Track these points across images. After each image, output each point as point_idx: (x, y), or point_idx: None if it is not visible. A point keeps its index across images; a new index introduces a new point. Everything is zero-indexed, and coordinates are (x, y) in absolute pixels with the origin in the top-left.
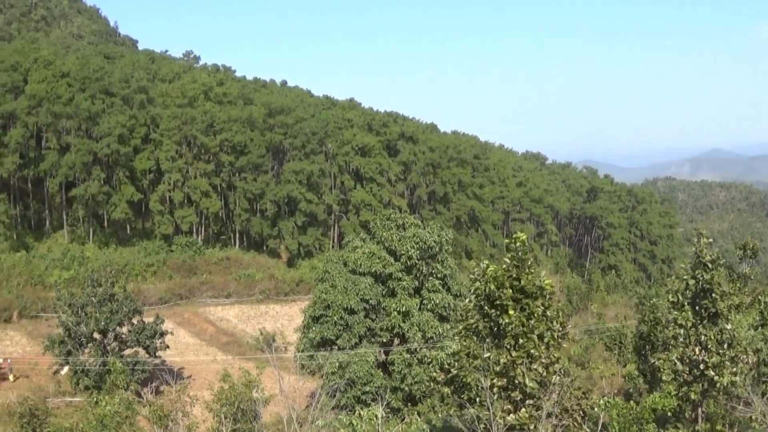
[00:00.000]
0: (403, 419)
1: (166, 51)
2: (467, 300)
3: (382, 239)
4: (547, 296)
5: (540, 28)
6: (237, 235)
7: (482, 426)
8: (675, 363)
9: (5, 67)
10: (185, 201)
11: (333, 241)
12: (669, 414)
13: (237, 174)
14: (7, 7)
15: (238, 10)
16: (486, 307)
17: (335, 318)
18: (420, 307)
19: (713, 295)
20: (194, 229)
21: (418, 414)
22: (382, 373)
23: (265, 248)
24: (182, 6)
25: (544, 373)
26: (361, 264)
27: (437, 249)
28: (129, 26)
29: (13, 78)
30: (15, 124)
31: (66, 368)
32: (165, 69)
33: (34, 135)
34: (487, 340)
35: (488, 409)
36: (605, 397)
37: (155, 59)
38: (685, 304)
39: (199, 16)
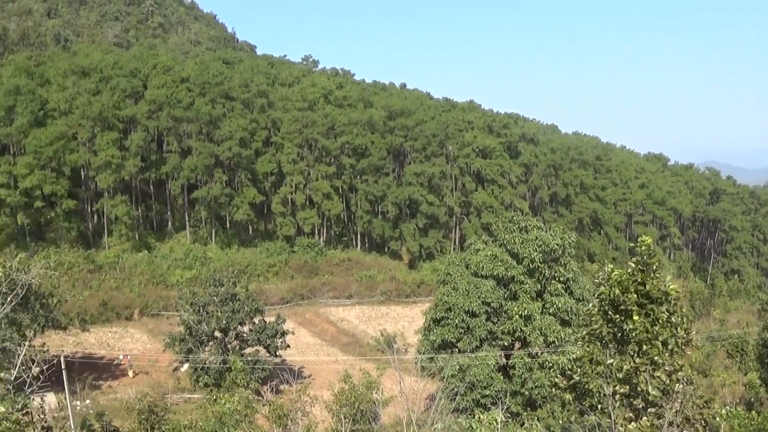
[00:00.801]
0: (523, 424)
1: (285, 56)
2: (591, 304)
3: (505, 242)
4: (672, 301)
5: (661, 27)
6: (358, 237)
7: None
8: None
9: (124, 73)
10: (307, 203)
11: (454, 244)
12: None
13: (358, 176)
14: (124, 15)
15: (356, 14)
16: (610, 312)
17: (456, 321)
18: (542, 311)
19: None
20: (316, 231)
21: (538, 419)
22: (502, 377)
23: (386, 250)
24: (300, 11)
25: (667, 381)
26: (483, 267)
27: (560, 252)
28: (247, 32)
29: (133, 84)
30: (136, 128)
31: (186, 366)
32: (284, 73)
33: (154, 138)
34: (610, 345)
35: (609, 416)
36: (727, 407)
37: (274, 64)
38: None
39: (317, 20)
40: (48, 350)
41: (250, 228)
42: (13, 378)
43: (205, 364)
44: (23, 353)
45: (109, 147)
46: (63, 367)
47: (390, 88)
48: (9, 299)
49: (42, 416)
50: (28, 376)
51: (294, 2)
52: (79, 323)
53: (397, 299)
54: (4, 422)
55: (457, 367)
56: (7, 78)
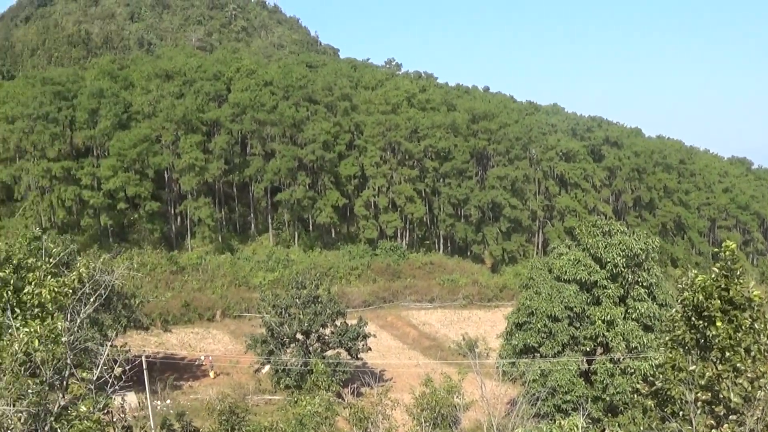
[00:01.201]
0: (603, 430)
1: (368, 59)
2: (673, 310)
3: (588, 246)
4: (756, 308)
5: (745, 26)
6: (441, 240)
7: None
8: None
9: (208, 76)
10: (390, 206)
11: (537, 248)
12: None
13: (441, 179)
14: (207, 19)
15: (439, 18)
16: (693, 318)
17: (539, 325)
18: (624, 316)
19: None
20: (399, 234)
21: (619, 425)
22: (583, 382)
23: (469, 253)
24: (383, 14)
25: (749, 388)
26: (566, 271)
27: (643, 256)
28: (330, 35)
29: (216, 87)
30: (219, 131)
31: (267, 367)
32: (367, 77)
33: (238, 141)
34: (693, 352)
35: (691, 423)
36: None
37: (357, 67)
38: None
39: (401, 24)
40: (129, 350)
41: (333, 231)
42: (95, 378)
43: (286, 365)
44: (106, 353)
45: (193, 150)
46: (144, 367)
47: (473, 91)
48: (92, 300)
49: (122, 416)
50: (110, 376)
51: (377, 6)
52: (162, 324)
53: (479, 303)
54: (85, 421)
55: (539, 371)
56: (91, 81)
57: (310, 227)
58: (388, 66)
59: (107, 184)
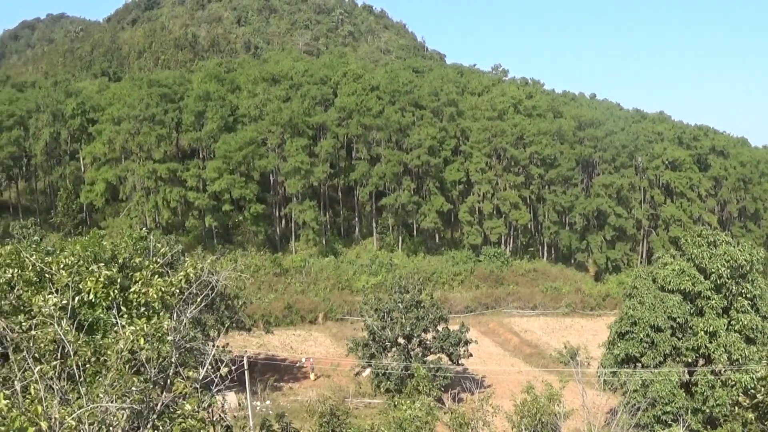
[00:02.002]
0: None
1: (474, 65)
2: None
3: (692, 256)
4: None
5: None
6: (545, 248)
7: None
8: None
9: (315, 80)
10: (494, 212)
11: (641, 257)
12: None
13: (546, 186)
14: (314, 23)
15: (546, 24)
16: None
17: (641, 335)
18: (727, 328)
19: None
20: (502, 240)
21: None
22: (684, 394)
23: (572, 261)
24: (490, 20)
25: None
26: (670, 281)
27: (747, 268)
28: (436, 41)
29: (323, 91)
30: (325, 134)
31: (368, 370)
32: (474, 82)
33: (344, 145)
34: None
35: None
36: None
37: (464, 73)
38: None
39: (508, 30)
40: (231, 351)
41: (437, 236)
42: (200, 377)
43: (387, 369)
44: (212, 353)
45: (299, 153)
46: (246, 367)
47: (580, 98)
48: (199, 300)
49: (223, 415)
50: (216, 376)
51: (484, 12)
52: (264, 325)
53: (581, 311)
54: (190, 419)
55: (640, 382)
56: (198, 84)
57: (414, 232)
58: (494, 72)
59: (213, 186)
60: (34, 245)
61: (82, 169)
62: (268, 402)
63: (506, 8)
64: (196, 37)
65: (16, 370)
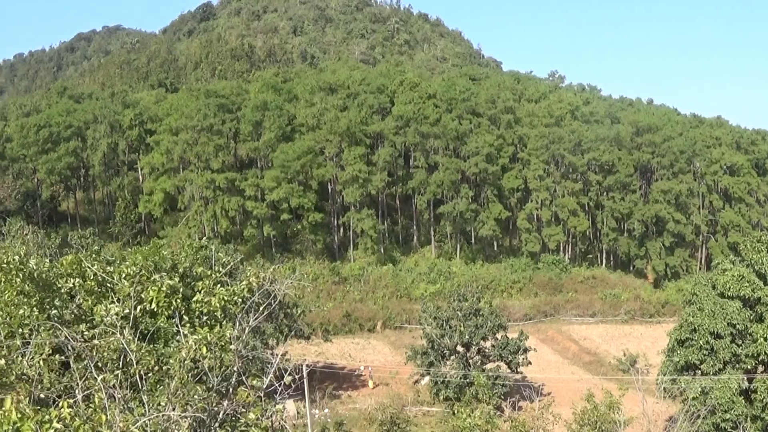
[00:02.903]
0: None
1: (531, 71)
2: None
3: (752, 262)
4: None
5: None
6: (604, 255)
7: None
8: None
9: (371, 89)
10: (552, 219)
11: (700, 263)
12: None
13: (605, 193)
14: (370, 32)
15: (602, 29)
16: None
17: (701, 342)
18: None
19: None
20: (561, 248)
21: None
22: (743, 401)
23: (631, 268)
24: (545, 27)
25: None
26: (729, 287)
27: None
28: (492, 48)
29: (380, 100)
30: (383, 143)
31: (426, 378)
32: (531, 89)
33: (401, 154)
34: None
35: None
36: None
37: (520, 80)
38: None
39: (563, 36)
40: (290, 359)
41: (495, 243)
42: (264, 386)
43: (445, 377)
44: (277, 362)
45: (357, 162)
46: (305, 376)
47: (636, 103)
48: (261, 309)
49: (283, 423)
50: (279, 385)
51: (540, 18)
52: (322, 333)
53: (640, 319)
54: (253, 428)
55: (699, 389)
56: (255, 93)
57: (473, 240)
58: (551, 78)
59: (271, 195)
60: (94, 255)
61: (140, 180)
62: (326, 410)
63: (562, 14)
64: (253, 47)
65: (78, 378)
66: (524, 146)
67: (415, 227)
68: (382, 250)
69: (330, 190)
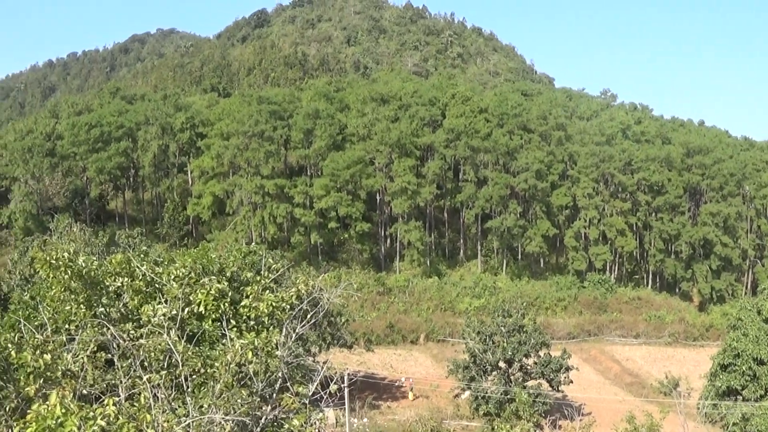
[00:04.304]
0: None
1: (583, 89)
2: None
3: None
4: None
5: None
6: (650, 276)
7: None
8: None
9: (423, 101)
10: (600, 238)
11: (746, 288)
12: None
13: (653, 213)
14: (423, 44)
15: (655, 49)
16: None
17: (743, 368)
18: None
19: None
20: (607, 267)
21: None
22: None
23: (677, 290)
24: (599, 44)
25: None
26: None
27: None
28: (545, 64)
29: (431, 112)
30: (433, 155)
31: (467, 393)
32: (582, 107)
33: (451, 167)
34: None
35: None
36: None
37: (572, 97)
38: None
39: (616, 54)
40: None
41: (542, 260)
42: (310, 393)
43: (486, 393)
44: (323, 370)
45: (406, 173)
46: (345, 384)
47: (688, 124)
48: (309, 317)
49: (323, 431)
50: (324, 393)
51: (593, 36)
52: (365, 343)
53: (684, 342)
54: None
55: (740, 415)
56: (307, 102)
57: (519, 256)
58: (603, 96)
59: (319, 203)
60: (142, 255)
61: (190, 182)
62: (365, 420)
63: (615, 32)
64: (306, 55)
65: (122, 377)
66: (574, 164)
67: (462, 241)
68: (428, 263)
69: (378, 201)
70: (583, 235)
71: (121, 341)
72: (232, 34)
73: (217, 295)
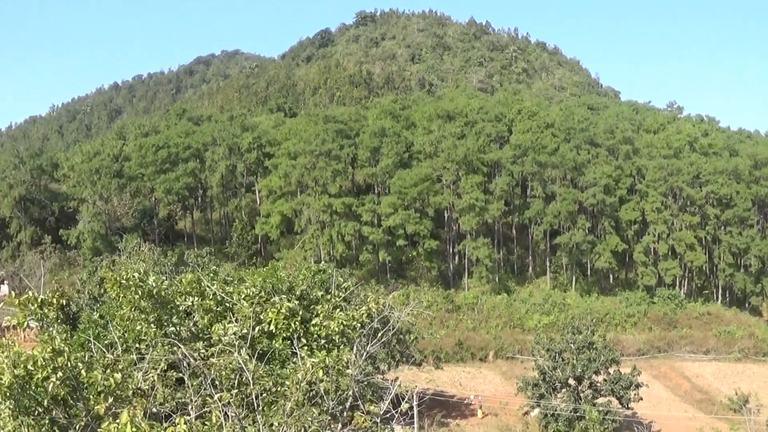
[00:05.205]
0: None
1: (649, 101)
2: None
3: None
4: None
5: None
6: (719, 290)
7: None
8: None
9: (489, 117)
10: (669, 253)
11: None
12: None
13: (722, 227)
14: (488, 60)
15: (720, 60)
16: None
17: None
18: None
19: None
20: (677, 282)
21: None
22: None
23: (746, 305)
24: (664, 57)
25: None
26: None
27: None
28: (610, 78)
29: (498, 128)
30: (500, 172)
31: (536, 410)
32: (649, 120)
33: (518, 183)
34: None
35: None
36: None
37: (638, 110)
38: None
39: (681, 66)
40: (401, 384)
41: (611, 276)
42: (381, 412)
43: (555, 410)
44: (395, 388)
45: (474, 190)
46: (415, 402)
47: (755, 136)
48: (380, 335)
49: None
50: (395, 411)
51: (658, 48)
52: (434, 361)
53: (754, 357)
54: None
55: None
56: (373, 120)
57: (588, 272)
58: (669, 109)
59: (387, 221)
60: (212, 275)
61: (258, 202)
62: None
63: (680, 44)
64: (371, 74)
65: (193, 395)
66: (642, 178)
67: (530, 257)
68: (497, 279)
69: (446, 218)
70: (652, 249)
71: (191, 360)
72: (297, 54)
73: (287, 313)
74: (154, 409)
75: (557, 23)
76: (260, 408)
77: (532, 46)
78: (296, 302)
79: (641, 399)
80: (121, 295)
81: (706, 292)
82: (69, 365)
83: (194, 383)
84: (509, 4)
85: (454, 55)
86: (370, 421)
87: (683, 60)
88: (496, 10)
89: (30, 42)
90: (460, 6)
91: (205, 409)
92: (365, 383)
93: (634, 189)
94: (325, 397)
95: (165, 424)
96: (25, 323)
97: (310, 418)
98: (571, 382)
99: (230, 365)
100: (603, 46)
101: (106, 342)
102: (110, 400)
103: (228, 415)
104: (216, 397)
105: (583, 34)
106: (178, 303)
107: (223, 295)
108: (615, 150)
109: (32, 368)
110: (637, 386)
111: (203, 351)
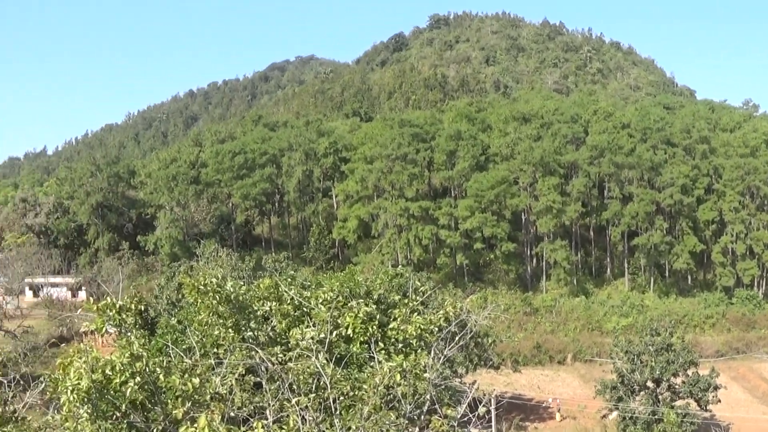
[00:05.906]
0: None
1: (725, 100)
2: None
3: None
4: None
5: None
6: None
7: None
8: None
9: (565, 119)
10: (747, 253)
11: None
12: None
13: None
14: (563, 61)
15: None
16: None
17: None
18: None
19: None
20: (755, 282)
21: None
22: None
23: None
24: (739, 55)
25: None
26: None
27: None
28: (685, 76)
29: (574, 129)
30: (577, 173)
31: (614, 414)
32: (725, 118)
33: (595, 184)
34: None
35: None
36: None
37: (714, 109)
38: None
39: (756, 64)
40: (478, 388)
41: (689, 277)
42: (459, 415)
43: (634, 413)
44: (473, 392)
45: (551, 192)
46: (493, 406)
47: None
48: (457, 339)
49: None
50: (473, 415)
51: (733, 46)
52: (512, 364)
53: None
54: None
55: None
56: (449, 123)
57: (666, 273)
58: (745, 107)
59: (464, 224)
60: (290, 279)
61: (335, 206)
62: None
63: (755, 41)
64: (446, 77)
65: (270, 399)
66: (719, 177)
67: (608, 259)
68: (575, 282)
69: (523, 220)
70: (730, 250)
71: (269, 364)
72: (371, 59)
73: (364, 318)
74: (232, 414)
75: (631, 23)
76: (338, 412)
77: (606, 46)
78: (374, 306)
79: (719, 401)
80: (199, 301)
81: None
82: (147, 370)
83: (272, 387)
84: (583, 5)
85: (529, 56)
86: (448, 425)
87: (758, 57)
88: (570, 10)
89: (106, 50)
90: (533, 7)
91: (283, 413)
92: (443, 387)
93: (712, 188)
94: (402, 401)
95: (243, 428)
96: (104, 329)
97: (387, 422)
98: (650, 384)
99: (308, 369)
100: (678, 44)
101: (184, 347)
102: (188, 404)
103: (305, 419)
104: (293, 401)
105: (657, 33)
106: (255, 308)
107: (300, 299)
108: (691, 149)
109: (110, 373)
110: (716, 388)
111: (281, 355)
